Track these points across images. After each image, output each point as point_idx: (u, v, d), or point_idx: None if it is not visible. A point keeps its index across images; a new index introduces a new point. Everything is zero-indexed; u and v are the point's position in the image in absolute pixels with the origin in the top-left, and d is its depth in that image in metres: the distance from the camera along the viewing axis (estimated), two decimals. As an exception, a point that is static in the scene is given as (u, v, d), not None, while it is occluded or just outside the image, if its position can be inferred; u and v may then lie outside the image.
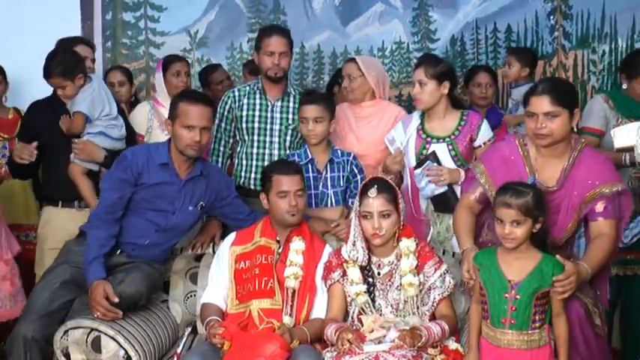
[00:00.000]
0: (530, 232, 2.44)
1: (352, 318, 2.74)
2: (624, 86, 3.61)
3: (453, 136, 3.28)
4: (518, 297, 2.40)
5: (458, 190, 3.15)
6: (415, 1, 4.50)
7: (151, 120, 3.70)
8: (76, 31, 4.26)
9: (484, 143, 3.26)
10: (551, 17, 4.48)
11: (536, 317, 2.42)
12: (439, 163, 3.19)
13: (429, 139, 3.29)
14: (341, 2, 4.50)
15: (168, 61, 3.82)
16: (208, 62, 4.37)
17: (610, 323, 3.58)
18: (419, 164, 3.22)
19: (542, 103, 2.61)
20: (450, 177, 3.17)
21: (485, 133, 3.28)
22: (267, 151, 3.48)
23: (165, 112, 3.58)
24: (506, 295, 2.42)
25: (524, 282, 2.41)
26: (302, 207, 2.89)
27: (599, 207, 2.65)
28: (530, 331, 2.42)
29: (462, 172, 3.19)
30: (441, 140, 3.28)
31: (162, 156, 2.95)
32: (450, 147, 3.26)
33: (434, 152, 3.23)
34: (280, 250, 2.87)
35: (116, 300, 2.67)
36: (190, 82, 3.89)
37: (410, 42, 4.52)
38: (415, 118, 3.37)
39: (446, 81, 3.26)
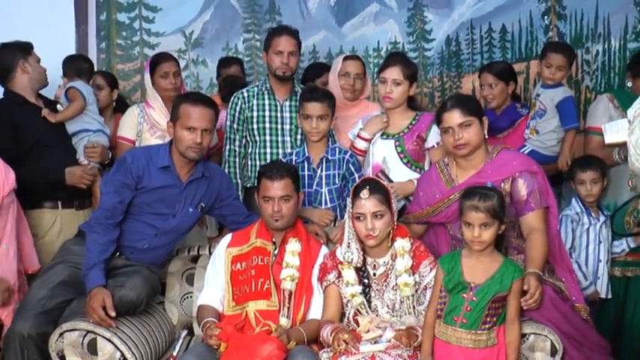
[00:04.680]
0: (497, 234, 2.50)
1: (348, 319, 2.74)
2: (629, 84, 3.61)
3: (401, 134, 3.30)
4: (475, 299, 2.46)
5: None
6: (410, 2, 4.51)
7: (140, 124, 3.53)
8: (70, 31, 4.26)
9: (437, 144, 3.25)
10: (546, 17, 4.49)
11: (487, 319, 2.47)
12: (389, 180, 3.16)
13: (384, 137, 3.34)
14: (336, 2, 4.50)
15: (155, 62, 3.58)
16: (203, 63, 4.37)
17: (618, 324, 3.57)
18: None
19: (455, 117, 2.81)
20: (403, 190, 3.13)
21: (437, 134, 3.22)
22: (280, 150, 3.48)
23: (155, 114, 3.54)
24: (465, 295, 2.47)
25: (484, 286, 2.46)
26: (287, 212, 2.84)
27: (522, 190, 2.75)
28: (479, 331, 2.46)
29: (415, 182, 3.19)
30: (390, 137, 3.31)
31: (163, 159, 2.90)
32: (397, 143, 3.29)
33: (382, 170, 3.23)
34: (276, 252, 2.86)
35: (113, 314, 2.64)
36: (182, 82, 3.69)
37: (405, 42, 4.52)
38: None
39: (415, 82, 3.32)
